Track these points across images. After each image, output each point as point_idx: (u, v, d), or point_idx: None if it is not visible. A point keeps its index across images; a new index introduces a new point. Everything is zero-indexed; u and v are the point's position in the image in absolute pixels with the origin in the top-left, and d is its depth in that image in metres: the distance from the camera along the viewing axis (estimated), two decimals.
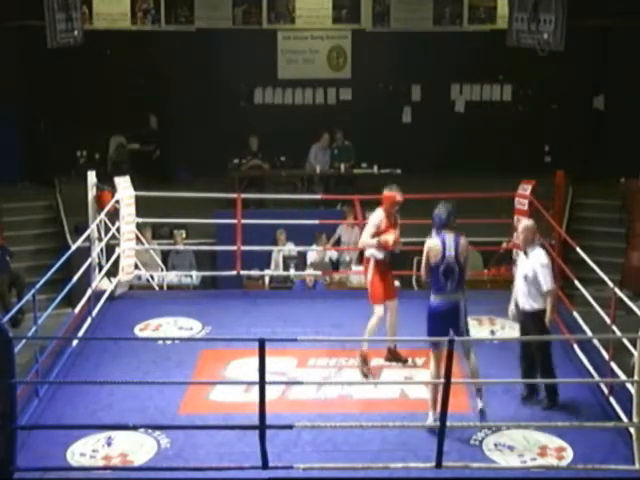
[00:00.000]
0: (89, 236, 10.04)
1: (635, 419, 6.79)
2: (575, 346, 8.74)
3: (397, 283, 11.41)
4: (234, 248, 10.64)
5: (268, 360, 6.60)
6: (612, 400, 7.67)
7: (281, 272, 12.79)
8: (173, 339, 9.08)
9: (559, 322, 9.31)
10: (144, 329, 9.50)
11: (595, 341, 8.33)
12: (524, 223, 8.03)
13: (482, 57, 16.64)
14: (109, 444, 7.12)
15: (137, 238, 10.93)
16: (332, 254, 13.28)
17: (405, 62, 16.91)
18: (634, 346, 6.95)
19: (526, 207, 10.20)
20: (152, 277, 11.81)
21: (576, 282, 9.33)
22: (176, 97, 16.87)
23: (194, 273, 12.59)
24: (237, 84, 17.12)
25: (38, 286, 7.99)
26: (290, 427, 6.95)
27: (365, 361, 8.24)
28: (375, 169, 15.90)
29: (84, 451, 7.03)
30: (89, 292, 9.62)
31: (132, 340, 9.16)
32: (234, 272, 10.73)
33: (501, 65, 16.91)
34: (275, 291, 12.19)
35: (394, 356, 8.51)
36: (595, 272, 8.74)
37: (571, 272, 9.52)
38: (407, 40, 16.81)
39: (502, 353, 8.58)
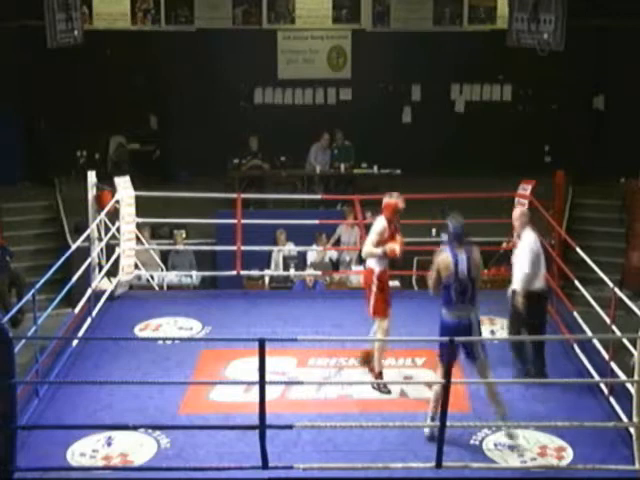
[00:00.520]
0: (89, 236, 10.04)
1: (635, 419, 6.79)
2: (575, 346, 8.74)
3: (397, 283, 11.45)
4: (234, 248, 10.64)
5: (268, 360, 6.60)
6: (612, 400, 7.67)
7: (281, 272, 12.79)
8: (173, 339, 9.08)
9: (559, 322, 9.32)
10: (144, 329, 9.50)
11: (595, 341, 8.33)
12: (519, 210, 8.60)
13: (482, 57, 16.64)
14: (109, 444, 7.12)
15: (137, 238, 10.93)
16: (332, 254, 13.28)
17: (405, 62, 16.90)
18: (634, 346, 6.95)
19: (526, 207, 10.18)
20: (152, 277, 11.81)
21: (576, 282, 9.32)
22: (176, 97, 16.87)
23: (194, 273, 12.59)
24: (237, 84, 17.11)
25: (38, 286, 7.98)
26: (290, 427, 6.95)
27: (380, 378, 7.97)
28: (375, 169, 15.90)
29: (84, 451, 7.03)
30: (89, 292, 9.62)
31: (132, 340, 9.15)
32: (234, 272, 10.72)
33: (501, 65, 16.91)
34: (275, 291, 12.18)
35: (365, 360, 8.33)
36: (595, 272, 8.74)
37: (571, 272, 9.52)
38: (407, 40, 16.80)
39: (502, 353, 8.58)
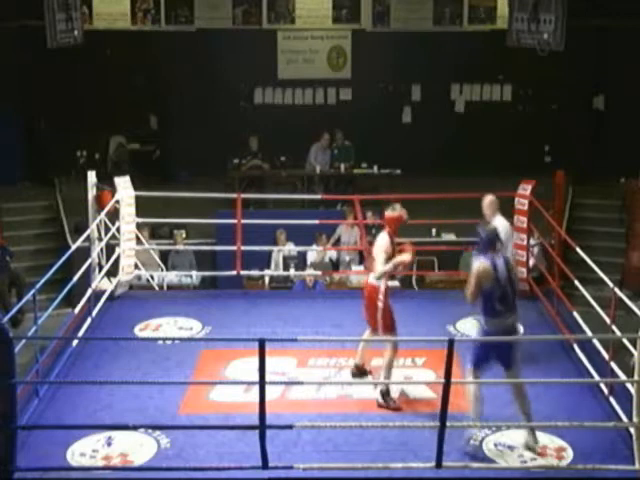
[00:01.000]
0: (89, 236, 10.04)
1: (635, 419, 6.79)
2: (575, 346, 8.74)
3: (397, 283, 11.44)
4: (234, 248, 10.64)
5: (268, 360, 6.59)
6: (612, 400, 7.67)
7: (281, 272, 12.80)
8: (173, 339, 9.07)
9: (559, 322, 9.32)
10: (144, 329, 9.50)
11: (595, 341, 8.33)
12: (488, 198, 8.89)
13: (482, 57, 16.64)
14: (109, 444, 7.12)
15: (137, 238, 10.93)
16: (332, 254, 13.29)
17: (405, 62, 16.90)
18: (634, 346, 6.95)
19: (526, 207, 10.20)
20: (152, 277, 11.81)
21: (576, 282, 9.32)
22: (176, 97, 16.87)
23: (194, 273, 12.59)
24: (237, 84, 17.11)
25: (38, 286, 7.98)
26: (290, 427, 6.95)
27: (387, 396, 7.78)
28: (375, 169, 15.89)
29: (84, 451, 7.03)
30: (89, 292, 9.61)
31: (132, 340, 9.15)
32: (234, 272, 10.72)
33: (501, 65, 16.92)
34: (275, 291, 12.19)
35: (359, 370, 8.26)
36: (595, 272, 8.73)
37: (571, 272, 9.52)
38: (407, 40, 16.80)
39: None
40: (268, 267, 12.96)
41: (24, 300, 8.36)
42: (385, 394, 7.74)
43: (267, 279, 12.67)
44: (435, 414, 6.82)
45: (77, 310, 9.62)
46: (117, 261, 10.41)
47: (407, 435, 7.24)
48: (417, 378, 8.22)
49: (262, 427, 6.60)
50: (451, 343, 6.59)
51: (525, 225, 10.22)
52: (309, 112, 17.23)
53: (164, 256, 12.99)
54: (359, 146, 16.28)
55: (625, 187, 14.98)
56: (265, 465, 6.64)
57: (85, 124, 16.44)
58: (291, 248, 12.96)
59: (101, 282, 10.25)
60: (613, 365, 7.88)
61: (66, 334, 9.12)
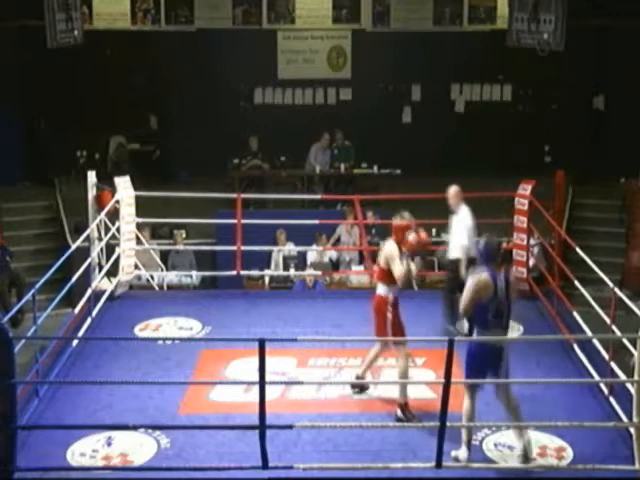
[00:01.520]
0: (89, 236, 10.04)
1: (635, 419, 6.79)
2: (575, 346, 8.74)
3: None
4: (234, 248, 10.64)
5: (268, 360, 6.59)
6: (612, 400, 7.67)
7: (281, 272, 12.79)
8: (173, 339, 9.08)
9: (559, 322, 9.32)
10: (144, 329, 9.50)
11: (595, 341, 8.33)
12: (455, 188, 9.30)
13: (482, 57, 16.64)
14: (109, 444, 7.12)
15: (137, 238, 10.93)
16: (332, 254, 13.29)
17: (405, 62, 16.90)
18: (634, 346, 6.95)
19: (526, 207, 10.20)
20: (152, 277, 11.81)
21: (576, 282, 9.32)
22: (176, 97, 16.87)
23: (194, 273, 12.59)
24: (237, 84, 17.11)
25: (38, 286, 7.98)
26: (290, 427, 6.95)
27: (406, 409, 7.61)
28: (375, 169, 15.89)
29: (84, 451, 7.03)
30: (89, 292, 9.62)
31: (132, 340, 9.16)
32: (234, 272, 10.73)
33: (501, 65, 16.91)
34: (275, 291, 12.19)
35: (361, 385, 8.07)
36: (595, 272, 8.74)
37: (571, 272, 9.52)
38: (407, 40, 16.80)
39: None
40: (268, 267, 12.96)
41: (24, 300, 8.36)
42: (404, 408, 7.56)
43: (267, 279, 12.67)
44: (435, 414, 6.83)
45: (77, 310, 9.63)
46: (117, 261, 10.41)
47: (407, 435, 7.24)
48: (417, 378, 8.21)
49: (262, 427, 6.60)
50: (451, 343, 6.59)
51: (525, 225, 10.22)
52: (309, 112, 17.23)
53: (164, 256, 12.98)
54: (359, 146, 16.27)
55: (625, 187, 14.97)
56: (265, 465, 6.64)
57: (85, 124, 16.44)
58: (291, 248, 12.96)
59: (101, 282, 10.25)
60: (613, 365, 7.88)
61: (66, 334, 9.13)
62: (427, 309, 9.88)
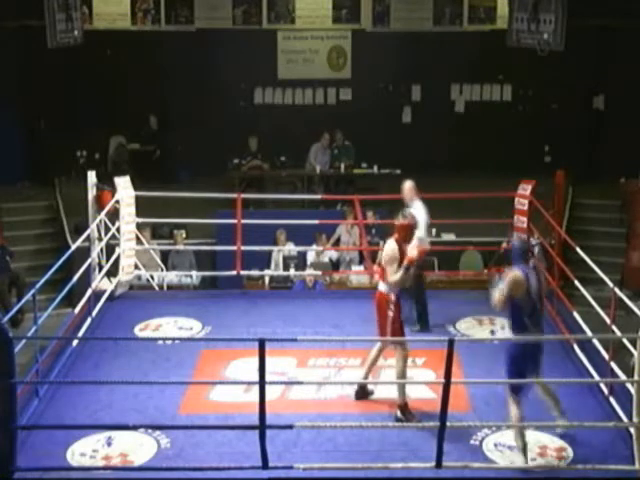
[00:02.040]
0: (89, 236, 10.04)
1: (635, 419, 6.79)
2: (575, 346, 8.74)
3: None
4: (234, 248, 10.64)
5: (268, 360, 6.60)
6: (612, 400, 7.67)
7: (281, 272, 12.79)
8: (173, 339, 9.08)
9: (559, 322, 9.32)
10: (144, 329, 9.50)
11: (595, 341, 8.33)
12: (409, 183, 9.42)
13: (482, 57, 16.65)
14: (109, 444, 7.12)
15: (137, 238, 10.93)
16: (332, 254, 13.28)
17: (405, 62, 16.91)
18: (634, 346, 6.95)
19: (526, 207, 10.20)
20: (152, 277, 11.81)
21: (576, 282, 9.32)
22: (176, 97, 16.86)
23: (194, 273, 12.58)
24: (237, 84, 17.11)
25: (38, 286, 7.98)
26: (290, 427, 6.95)
27: (406, 410, 7.58)
28: (375, 169, 15.88)
29: (84, 451, 7.03)
30: (89, 292, 9.62)
31: (132, 340, 9.15)
32: (234, 272, 10.72)
33: (501, 65, 16.92)
34: (275, 291, 12.18)
35: (364, 391, 8.00)
36: (595, 272, 8.74)
37: (571, 272, 9.52)
38: (407, 40, 16.80)
39: (502, 353, 8.57)
40: (268, 267, 12.95)
41: (24, 300, 8.36)
42: (404, 408, 7.56)
43: (267, 279, 12.67)
44: (435, 414, 6.83)
45: (77, 310, 9.62)
46: (117, 261, 10.41)
47: (407, 435, 7.25)
48: (417, 378, 8.21)
49: (262, 427, 6.60)
50: (451, 343, 6.59)
51: (525, 225, 10.22)
52: (309, 112, 17.23)
53: (164, 256, 12.98)
54: (359, 146, 16.27)
55: (625, 187, 14.97)
56: (265, 465, 6.65)
57: (85, 124, 16.45)
58: (291, 248, 12.95)
59: (101, 282, 10.25)
60: (613, 365, 7.88)
61: (66, 334, 9.12)
62: (427, 309, 9.88)
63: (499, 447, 7.11)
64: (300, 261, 13.15)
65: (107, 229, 10.45)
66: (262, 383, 6.58)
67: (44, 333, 8.57)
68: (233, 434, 7.17)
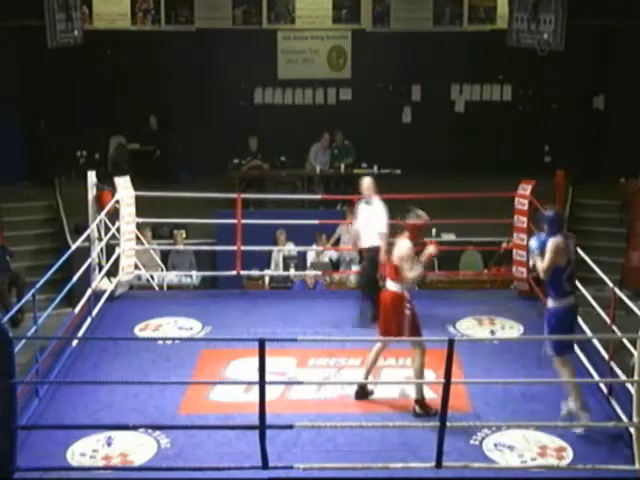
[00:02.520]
0: (89, 236, 10.04)
1: (635, 419, 6.79)
2: (575, 346, 8.72)
3: None
4: (234, 248, 10.64)
5: (268, 360, 6.59)
6: (612, 400, 7.67)
7: (281, 272, 12.79)
8: (173, 339, 9.07)
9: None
10: (144, 329, 9.49)
11: (595, 341, 8.33)
12: (368, 180, 9.55)
13: (482, 57, 16.66)
14: (109, 444, 7.12)
15: (137, 238, 10.93)
16: (332, 254, 13.28)
17: (405, 62, 16.91)
18: (634, 346, 6.95)
19: (526, 207, 10.20)
20: (152, 277, 11.81)
21: (576, 282, 9.31)
22: (176, 97, 16.86)
23: (194, 273, 12.59)
24: (237, 84, 17.12)
25: (38, 286, 7.98)
26: (290, 427, 6.95)
27: (424, 404, 7.59)
28: (375, 169, 15.88)
29: (84, 451, 7.03)
30: (89, 292, 9.61)
31: (132, 340, 9.15)
32: (234, 272, 10.72)
33: (501, 65, 16.92)
34: (275, 291, 12.18)
35: (364, 391, 7.99)
36: (595, 272, 8.74)
37: None
38: (407, 40, 16.81)
39: (502, 353, 8.60)
40: (268, 267, 12.96)
41: (24, 300, 8.36)
42: (422, 404, 7.56)
43: (267, 279, 12.67)
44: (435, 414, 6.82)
45: (77, 310, 9.62)
46: (117, 261, 10.41)
47: (407, 435, 7.24)
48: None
49: (262, 427, 6.60)
50: (451, 343, 6.60)
51: (525, 225, 10.22)
52: (309, 112, 17.24)
53: (164, 256, 12.98)
54: (359, 146, 16.28)
55: (625, 187, 14.97)
56: (265, 465, 6.64)
57: (85, 124, 16.46)
58: (291, 248, 12.95)
59: (101, 282, 10.25)
60: (613, 365, 7.88)
61: (66, 334, 9.12)
62: (427, 309, 9.84)
63: (499, 447, 7.11)
64: (300, 261, 13.15)
65: (107, 229, 10.44)
66: (262, 383, 6.57)
67: (44, 333, 8.57)
68: (233, 434, 7.17)
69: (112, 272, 10.48)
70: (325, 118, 16.81)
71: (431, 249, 7.73)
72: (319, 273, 12.22)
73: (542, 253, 7.31)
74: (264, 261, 12.95)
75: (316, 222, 11.70)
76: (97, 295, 9.85)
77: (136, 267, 10.85)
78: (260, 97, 17.47)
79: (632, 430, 6.86)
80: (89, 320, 9.44)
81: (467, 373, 8.13)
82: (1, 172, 15.35)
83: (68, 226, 14.45)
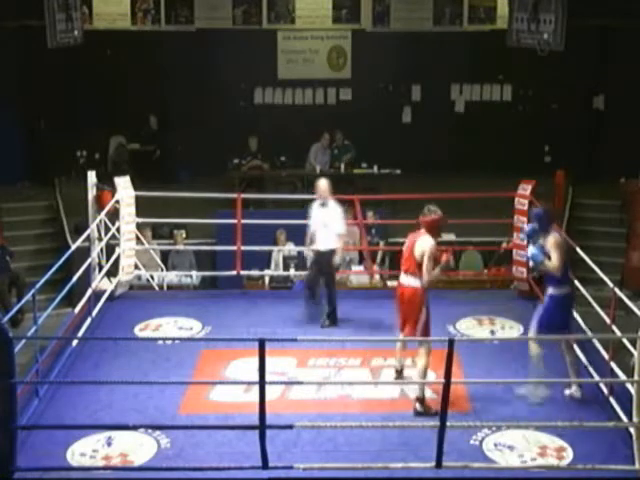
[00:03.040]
0: (89, 236, 10.04)
1: (635, 419, 6.79)
2: (575, 346, 8.72)
3: (396, 283, 11.41)
4: (234, 248, 10.64)
5: (268, 360, 6.60)
6: (612, 400, 7.67)
7: (281, 272, 12.78)
8: (173, 339, 9.08)
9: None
10: (144, 329, 9.50)
11: (595, 341, 8.33)
12: (324, 181, 9.67)
13: (482, 57, 16.66)
14: (109, 444, 7.12)
15: (137, 238, 10.92)
16: (292, 249, 13.22)
17: (405, 62, 16.91)
18: (634, 346, 6.95)
19: (526, 207, 10.19)
20: (152, 277, 11.80)
21: (576, 282, 9.31)
22: (176, 97, 16.86)
23: (194, 273, 12.58)
24: (237, 84, 17.12)
25: (38, 286, 7.98)
26: (290, 427, 6.95)
27: (425, 403, 7.63)
28: (375, 169, 15.88)
29: (84, 451, 7.03)
30: (89, 292, 9.62)
31: (132, 340, 9.15)
32: (234, 272, 10.73)
33: (501, 65, 16.91)
34: (275, 291, 12.17)
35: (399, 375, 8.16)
36: (595, 272, 8.74)
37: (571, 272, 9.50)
38: (407, 40, 16.80)
39: (502, 353, 8.60)
40: (268, 267, 12.94)
41: (24, 300, 8.36)
42: (422, 400, 7.59)
43: (267, 279, 12.65)
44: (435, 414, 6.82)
45: (77, 310, 9.62)
46: (117, 261, 10.41)
47: (407, 435, 7.24)
48: (417, 378, 8.18)
49: (262, 427, 6.60)
50: (451, 343, 6.60)
51: (525, 225, 10.21)
52: (309, 112, 17.23)
53: (164, 256, 12.98)
54: (359, 146, 16.27)
55: (625, 187, 14.97)
56: (265, 465, 6.65)
57: (85, 124, 16.45)
58: (291, 248, 12.94)
59: (101, 282, 10.25)
60: (613, 365, 7.88)
61: (66, 334, 9.12)
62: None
63: (499, 447, 7.11)
64: (300, 261, 13.12)
65: (107, 229, 10.45)
66: (262, 383, 6.58)
67: (44, 333, 8.57)
68: (233, 434, 7.17)
69: (112, 272, 10.48)
70: (325, 118, 16.81)
71: (445, 258, 7.82)
72: None
73: (529, 242, 7.75)
74: (264, 261, 12.93)
75: None
76: (97, 295, 9.86)
77: (136, 267, 10.86)
78: (260, 97, 17.46)
79: (632, 430, 6.86)
80: (89, 320, 9.45)
81: (467, 373, 8.13)
82: (1, 172, 15.34)
83: (68, 226, 14.45)
